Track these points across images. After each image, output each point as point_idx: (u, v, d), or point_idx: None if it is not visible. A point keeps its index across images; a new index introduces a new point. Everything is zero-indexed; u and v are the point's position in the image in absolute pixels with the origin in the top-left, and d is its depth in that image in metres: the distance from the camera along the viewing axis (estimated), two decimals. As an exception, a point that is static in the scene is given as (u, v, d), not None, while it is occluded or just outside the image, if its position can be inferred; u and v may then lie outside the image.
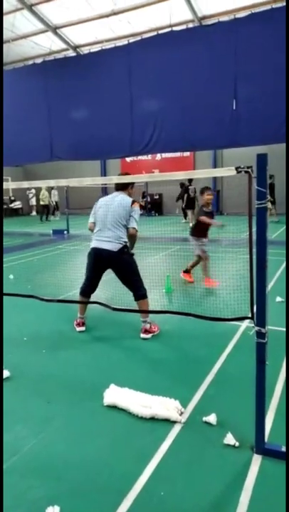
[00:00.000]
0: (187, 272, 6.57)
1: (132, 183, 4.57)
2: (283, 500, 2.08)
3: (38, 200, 21.07)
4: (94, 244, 4.40)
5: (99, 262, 4.37)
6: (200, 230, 6.29)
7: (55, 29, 18.37)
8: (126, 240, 4.35)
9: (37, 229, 16.78)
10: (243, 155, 15.31)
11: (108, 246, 4.26)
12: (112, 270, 4.44)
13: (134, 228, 4.35)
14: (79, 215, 18.17)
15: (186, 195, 16.25)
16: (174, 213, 20.22)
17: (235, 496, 2.17)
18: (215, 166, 20.97)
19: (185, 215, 17.31)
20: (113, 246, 4.25)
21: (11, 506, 2.13)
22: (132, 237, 4.42)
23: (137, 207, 4.42)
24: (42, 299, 3.81)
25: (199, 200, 6.48)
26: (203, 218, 6.11)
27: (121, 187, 4.48)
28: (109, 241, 4.27)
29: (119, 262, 4.31)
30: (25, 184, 3.47)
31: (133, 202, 4.39)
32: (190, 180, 16.29)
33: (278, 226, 13.16)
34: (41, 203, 19.40)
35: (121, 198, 4.39)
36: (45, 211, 19.79)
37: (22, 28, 17.88)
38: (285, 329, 3.71)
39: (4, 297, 3.78)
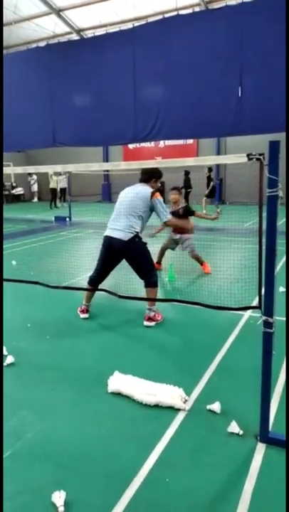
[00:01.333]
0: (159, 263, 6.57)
1: (158, 176, 4.44)
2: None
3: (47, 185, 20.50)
4: (106, 232, 4.38)
5: (110, 251, 4.35)
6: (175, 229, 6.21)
7: (58, 12, 18.01)
8: (138, 229, 4.29)
9: (39, 215, 16.72)
10: (246, 143, 15.20)
11: (119, 235, 4.23)
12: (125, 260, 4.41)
13: (166, 220, 4.35)
14: (81, 202, 18.12)
15: (211, 184, 16.09)
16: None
17: (240, 484, 2.19)
18: (218, 153, 20.75)
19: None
20: (124, 235, 4.22)
21: (17, 491, 2.14)
22: (171, 226, 4.43)
23: (159, 198, 4.30)
24: (47, 286, 3.80)
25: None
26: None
27: (144, 179, 4.41)
28: (120, 230, 4.24)
29: (130, 252, 4.29)
30: (30, 169, 3.42)
31: (153, 193, 4.29)
32: (210, 169, 16.17)
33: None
34: (51, 186, 19.07)
35: (140, 189, 4.34)
36: (52, 196, 19.42)
37: (25, 10, 17.52)
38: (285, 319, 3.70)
39: (7, 283, 3.77)
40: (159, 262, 6.54)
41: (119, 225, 4.27)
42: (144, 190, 4.32)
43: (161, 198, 4.32)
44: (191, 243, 6.31)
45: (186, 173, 17.23)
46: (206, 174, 16.26)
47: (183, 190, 17.27)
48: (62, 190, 20.96)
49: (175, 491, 2.15)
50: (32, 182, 24.42)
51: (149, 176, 4.39)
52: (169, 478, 2.23)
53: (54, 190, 19.38)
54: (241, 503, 2.07)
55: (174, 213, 6.08)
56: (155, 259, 5.76)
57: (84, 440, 2.56)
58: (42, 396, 3.05)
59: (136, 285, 4.57)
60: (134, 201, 4.26)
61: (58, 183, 20.51)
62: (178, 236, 6.29)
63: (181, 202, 6.42)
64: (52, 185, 19.05)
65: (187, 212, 6.18)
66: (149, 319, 4.39)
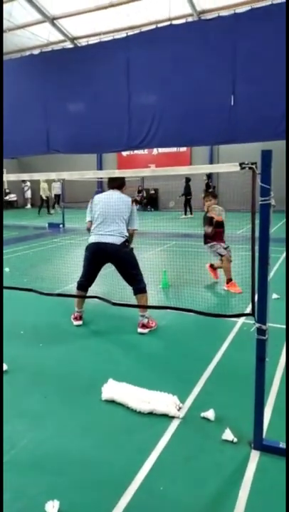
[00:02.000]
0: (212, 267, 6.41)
1: (125, 184, 4.63)
2: (281, 496, 2.09)
3: (38, 191, 20.60)
4: (94, 239, 4.38)
5: (99, 256, 4.36)
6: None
7: (52, 20, 18.15)
8: (127, 234, 4.38)
9: (32, 222, 16.68)
10: (239, 151, 15.37)
11: (111, 239, 4.26)
12: (112, 264, 4.43)
13: (136, 229, 4.51)
14: (74, 209, 18.11)
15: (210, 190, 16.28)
16: (168, 208, 20.19)
17: (234, 492, 2.18)
18: (211, 161, 20.94)
19: (185, 211, 17.27)
20: (116, 239, 4.26)
21: (10, 500, 2.12)
22: (131, 236, 4.54)
23: (135, 206, 4.53)
24: (41, 293, 3.79)
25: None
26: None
27: (117, 185, 4.52)
28: (112, 235, 4.28)
29: (121, 256, 4.32)
30: (24, 176, 3.42)
31: (133, 201, 4.51)
32: (208, 176, 16.33)
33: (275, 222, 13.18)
34: (41, 194, 19.14)
35: (119, 195, 4.45)
36: (44, 204, 19.47)
37: (19, 17, 17.64)
38: (283, 326, 3.72)
39: None
40: (230, 279, 5.88)
41: (109, 230, 4.30)
42: (125, 196, 4.48)
43: (136, 208, 4.58)
44: (220, 250, 6.00)
45: (187, 180, 17.32)
46: (204, 181, 16.41)
47: (183, 198, 17.41)
48: (57, 196, 20.97)
49: (169, 499, 2.14)
50: (26, 189, 24.43)
51: (121, 182, 4.55)
52: (164, 486, 2.22)
53: (46, 198, 19.36)
54: (236, 511, 2.06)
55: (210, 220, 5.97)
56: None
57: (77, 448, 2.54)
58: (35, 404, 3.03)
59: (129, 292, 4.56)
60: (120, 206, 4.34)
61: (52, 190, 20.51)
62: (221, 244, 6.01)
63: (214, 209, 6.07)
64: (41, 193, 19.07)
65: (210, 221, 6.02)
66: (143, 326, 4.38)
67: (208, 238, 6.05)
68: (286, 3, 9.31)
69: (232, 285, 5.75)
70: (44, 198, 19.14)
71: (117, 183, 4.52)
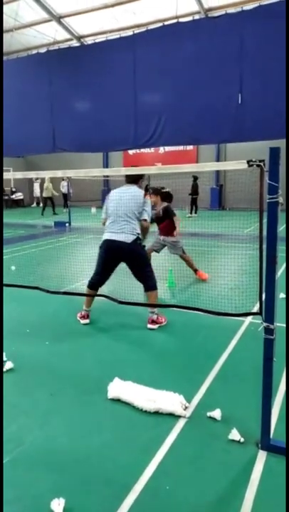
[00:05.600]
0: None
1: (142, 176, 4.57)
2: None
3: (41, 191, 20.55)
4: (107, 236, 4.37)
5: (112, 254, 4.35)
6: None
7: (59, 18, 18.16)
8: (139, 231, 4.36)
9: (39, 220, 16.72)
10: (246, 150, 15.26)
11: (122, 237, 4.25)
12: (124, 262, 4.42)
13: (146, 220, 4.38)
14: (81, 208, 18.13)
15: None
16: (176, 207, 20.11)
17: (241, 492, 2.17)
18: (218, 159, 20.84)
19: (191, 210, 17.19)
20: (127, 237, 4.25)
21: (16, 498, 2.12)
22: (145, 230, 4.45)
23: (148, 199, 4.45)
24: (47, 291, 3.79)
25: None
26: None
27: (132, 180, 4.45)
28: (123, 232, 4.26)
29: (132, 254, 4.31)
30: (31, 174, 3.42)
31: (145, 194, 4.41)
32: (196, 178, 16.14)
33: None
34: (44, 195, 19.13)
35: (133, 191, 4.38)
36: (49, 203, 19.33)
37: (26, 16, 17.67)
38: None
39: (6, 288, 3.76)
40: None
41: (120, 228, 4.28)
42: (138, 191, 4.40)
43: (150, 200, 4.49)
44: (178, 245, 6.16)
45: (195, 178, 17.18)
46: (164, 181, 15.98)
47: (190, 197, 17.25)
48: (65, 195, 20.86)
49: (175, 498, 2.13)
50: (36, 186, 24.30)
51: (137, 176, 4.47)
52: (170, 485, 2.21)
53: (50, 198, 19.22)
54: (242, 512, 2.05)
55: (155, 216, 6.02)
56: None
57: (83, 447, 2.54)
58: (41, 402, 3.03)
59: (135, 290, 4.56)
60: (131, 203, 4.31)
61: (62, 188, 20.40)
62: (162, 238, 6.21)
63: (160, 204, 6.13)
64: (46, 195, 18.98)
65: (166, 213, 6.04)
66: (153, 322, 4.40)
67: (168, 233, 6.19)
68: (286, 3, 9.23)
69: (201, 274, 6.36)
70: (47, 197, 18.98)
71: (132, 178, 4.46)
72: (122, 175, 4.69)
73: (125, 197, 4.33)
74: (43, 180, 20.03)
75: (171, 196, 6.35)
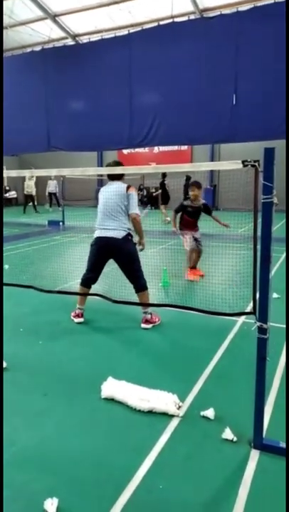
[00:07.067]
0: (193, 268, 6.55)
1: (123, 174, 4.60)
2: (281, 496, 2.08)
3: (23, 189, 20.36)
4: (98, 233, 4.38)
5: (103, 250, 4.35)
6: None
7: (54, 17, 18.11)
8: (129, 226, 4.35)
9: (32, 219, 16.65)
10: (240, 150, 15.32)
11: (113, 234, 4.25)
12: (114, 260, 4.41)
13: (134, 213, 4.34)
14: (75, 207, 18.10)
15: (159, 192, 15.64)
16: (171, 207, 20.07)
17: (234, 491, 2.18)
18: (212, 160, 20.90)
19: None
20: (117, 233, 4.25)
21: (10, 498, 2.11)
22: (136, 224, 4.39)
23: (133, 191, 4.39)
24: (41, 290, 3.78)
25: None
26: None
27: (116, 176, 4.46)
28: (113, 229, 4.27)
29: (123, 250, 4.30)
30: (25, 172, 3.42)
31: (128, 187, 4.38)
32: (164, 175, 15.63)
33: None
34: (25, 192, 18.88)
35: (116, 186, 4.38)
36: (29, 201, 19.04)
37: (20, 14, 17.60)
38: (283, 325, 3.71)
39: None
40: (194, 267, 6.53)
41: (110, 225, 4.29)
42: (120, 186, 4.39)
43: (135, 192, 4.41)
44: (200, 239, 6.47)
45: (188, 178, 17.16)
46: (160, 180, 15.52)
47: (182, 196, 17.19)
48: (53, 194, 20.77)
49: (169, 498, 2.14)
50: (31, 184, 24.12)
51: (120, 173, 4.49)
52: (163, 485, 2.21)
53: (30, 195, 19.12)
54: (235, 511, 2.05)
55: (193, 208, 6.31)
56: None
57: (77, 446, 2.53)
58: (35, 402, 3.02)
59: (130, 289, 4.55)
60: (116, 199, 4.30)
61: (47, 187, 20.30)
62: (196, 234, 6.45)
63: (200, 199, 6.47)
64: (27, 193, 18.80)
65: (207, 210, 6.43)
66: (147, 321, 4.40)
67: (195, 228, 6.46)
68: (286, 3, 9.28)
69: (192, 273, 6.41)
70: (31, 194, 18.76)
71: (114, 175, 4.47)
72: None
73: (110, 192, 4.34)
74: (37, 179, 19.90)
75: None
